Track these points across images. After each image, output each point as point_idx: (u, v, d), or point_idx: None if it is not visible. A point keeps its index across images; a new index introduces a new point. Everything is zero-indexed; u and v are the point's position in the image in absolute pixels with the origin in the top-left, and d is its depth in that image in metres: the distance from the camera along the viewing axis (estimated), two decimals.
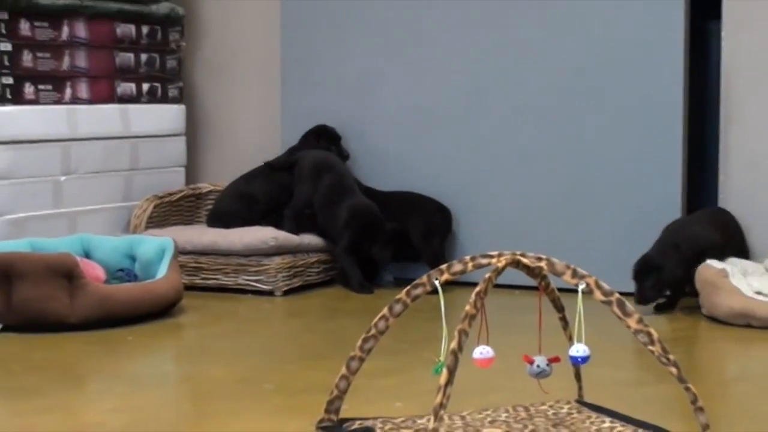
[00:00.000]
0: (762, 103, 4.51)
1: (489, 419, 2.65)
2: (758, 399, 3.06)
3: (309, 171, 4.83)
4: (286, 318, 4.36)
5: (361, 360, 2.61)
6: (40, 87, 4.76)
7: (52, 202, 4.78)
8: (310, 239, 4.81)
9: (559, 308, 2.67)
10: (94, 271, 4.09)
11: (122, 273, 4.29)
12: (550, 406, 2.76)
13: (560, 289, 2.63)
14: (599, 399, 2.79)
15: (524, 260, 2.43)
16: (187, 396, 3.19)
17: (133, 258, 4.35)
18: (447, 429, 2.54)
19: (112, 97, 5.08)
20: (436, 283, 2.48)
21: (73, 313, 3.87)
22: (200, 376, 3.33)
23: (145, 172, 5.18)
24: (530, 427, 2.58)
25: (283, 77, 5.22)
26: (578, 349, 2.45)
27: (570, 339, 2.56)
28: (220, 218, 4.96)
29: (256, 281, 4.66)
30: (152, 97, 5.26)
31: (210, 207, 5.16)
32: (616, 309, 2.38)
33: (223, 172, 5.37)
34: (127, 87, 5.15)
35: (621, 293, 2.41)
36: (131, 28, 5.14)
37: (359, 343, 2.59)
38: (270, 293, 4.64)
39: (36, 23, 4.73)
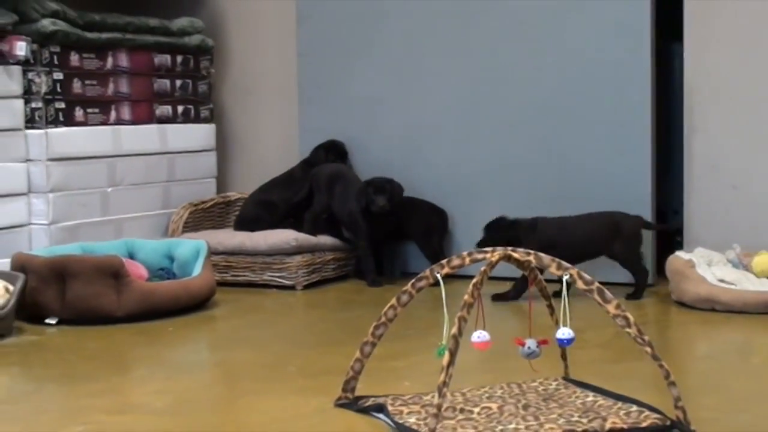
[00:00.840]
0: (721, 115, 4.50)
1: (486, 395, 2.65)
2: (722, 374, 3.05)
3: (325, 182, 4.85)
4: (306, 309, 4.35)
5: (373, 345, 2.60)
6: (89, 110, 4.76)
7: (100, 210, 4.78)
8: (326, 240, 4.81)
9: (546, 296, 2.67)
10: (137, 270, 4.08)
11: (162, 272, 4.29)
12: (540, 383, 2.75)
13: (547, 280, 2.62)
14: (583, 376, 2.79)
15: (515, 255, 2.43)
16: (221, 379, 3.19)
17: (171, 258, 4.35)
18: (449, 404, 2.53)
19: (152, 118, 5.08)
20: (438, 276, 2.48)
21: (120, 308, 3.86)
22: (232, 361, 3.33)
23: (181, 183, 5.17)
24: (523, 401, 2.57)
25: (300, 99, 5.21)
26: (564, 332, 2.44)
27: (557, 324, 2.56)
28: (246, 223, 4.95)
29: (280, 277, 4.65)
30: (186, 118, 5.26)
31: (238, 212, 5.16)
32: (596, 296, 2.38)
33: (248, 182, 5.37)
34: (165, 109, 5.14)
35: (601, 283, 2.40)
36: (167, 58, 5.14)
37: (371, 329, 2.58)
38: (292, 288, 4.63)
39: (84, 55, 4.73)
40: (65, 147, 4.63)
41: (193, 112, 5.29)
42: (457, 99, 4.87)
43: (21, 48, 4.45)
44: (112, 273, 3.86)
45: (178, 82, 5.21)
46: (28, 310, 3.85)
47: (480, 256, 2.43)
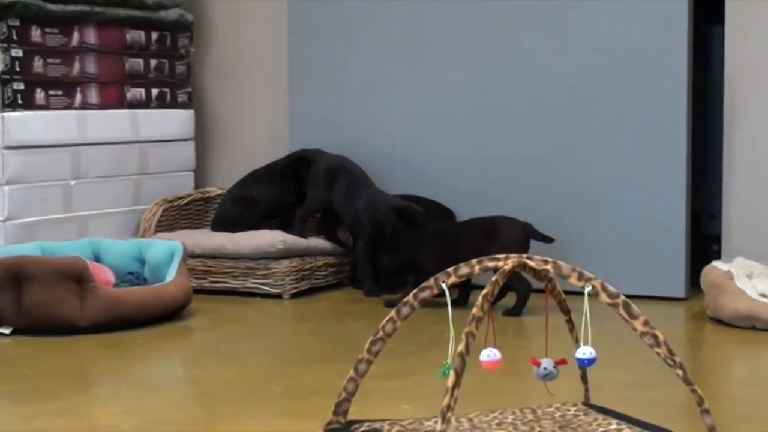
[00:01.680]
0: (765, 108, 4.50)
1: (496, 421, 2.64)
2: (764, 401, 3.05)
3: (323, 176, 4.81)
4: (294, 321, 4.35)
5: (369, 362, 2.60)
6: (51, 92, 4.76)
7: (62, 206, 4.78)
8: (317, 242, 4.81)
9: (566, 311, 2.66)
10: (103, 274, 4.08)
11: (132, 276, 4.29)
12: (557, 408, 2.74)
13: (567, 292, 2.62)
14: (606, 401, 2.78)
15: (531, 263, 2.42)
16: (196, 399, 3.19)
17: (142, 261, 4.35)
18: (454, 430, 2.52)
19: (122, 103, 5.08)
20: (444, 285, 2.47)
21: (83, 317, 3.86)
22: (209, 379, 3.32)
23: (154, 177, 5.17)
24: (537, 429, 2.57)
25: (291, 82, 5.21)
26: (585, 352, 2.44)
27: (576, 341, 2.55)
28: (224, 224, 4.94)
29: (264, 284, 4.65)
30: (161, 102, 5.26)
31: (215, 212, 5.15)
32: (622, 311, 2.37)
33: (231, 176, 5.36)
34: (137, 92, 5.14)
35: (627, 296, 2.40)
36: (141, 34, 5.14)
37: (367, 345, 2.58)
38: (278, 296, 4.63)
39: (46, 29, 4.73)
40: (24, 133, 4.62)
41: (169, 95, 5.29)
42: (467, 86, 4.87)
43: None
44: (75, 277, 3.86)
45: (153, 62, 5.21)
46: None
47: (491, 264, 2.42)
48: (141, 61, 5.15)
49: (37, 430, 2.74)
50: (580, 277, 2.38)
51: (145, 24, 5.15)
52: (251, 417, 2.84)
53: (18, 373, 3.37)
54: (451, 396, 2.22)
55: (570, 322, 2.67)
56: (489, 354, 2.36)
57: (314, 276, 4.77)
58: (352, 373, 2.61)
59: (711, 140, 4.77)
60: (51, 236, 4.59)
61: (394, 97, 5.02)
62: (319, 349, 3.76)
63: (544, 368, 2.48)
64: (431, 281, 2.49)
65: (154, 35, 5.21)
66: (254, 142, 5.51)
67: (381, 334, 2.56)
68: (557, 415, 2.70)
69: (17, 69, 4.61)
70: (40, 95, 4.72)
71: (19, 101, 4.62)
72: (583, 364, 2.48)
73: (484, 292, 2.32)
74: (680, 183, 4.52)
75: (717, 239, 4.63)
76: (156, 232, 4.93)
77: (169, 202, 5.07)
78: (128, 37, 5.09)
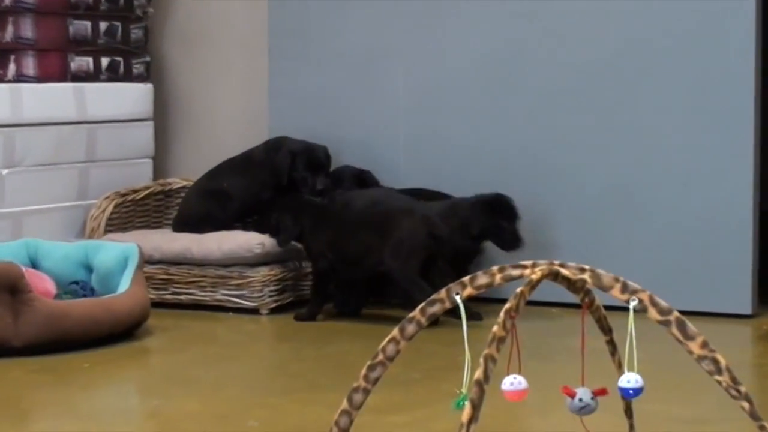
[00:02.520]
0: None
1: None
2: None
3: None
4: (275, 341, 4.35)
5: (366, 392, 2.60)
6: None
7: None
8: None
9: (606, 330, 2.67)
10: (42, 283, 4.08)
11: (76, 286, 4.30)
12: None
13: (607, 307, 2.63)
14: None
15: (564, 272, 2.42)
16: None
17: (89, 268, 4.35)
18: None
19: (65, 74, 5.08)
20: (458, 298, 2.48)
21: (16, 335, 3.86)
22: (171, 412, 3.33)
23: (104, 165, 5.18)
24: None
25: (271, 52, 5.22)
26: (629, 380, 2.44)
27: (619, 367, 2.56)
28: (189, 223, 4.94)
29: (238, 297, 4.66)
30: (113, 75, 5.26)
31: (178, 208, 5.16)
32: (675, 330, 2.37)
33: (198, 165, 5.37)
34: (83, 62, 5.15)
35: (681, 312, 2.40)
36: None
37: (364, 371, 2.58)
38: (255, 311, 4.64)
39: None
40: None
41: (122, 66, 5.30)
42: (487, 53, 4.88)
43: None
44: (8, 287, 3.86)
45: (103, 26, 5.21)
46: None
47: (516, 272, 2.42)
48: (88, 23, 5.16)
49: None
50: (624, 288, 2.38)
51: None
52: None
53: None
54: None
55: (611, 343, 2.67)
56: (513, 382, 2.37)
57: (298, 287, 4.77)
58: (345, 404, 2.61)
59: None
60: None
61: (396, 69, 5.02)
62: (304, 375, 3.77)
63: (580, 399, 2.48)
64: (443, 293, 2.49)
65: None
66: (226, 124, 5.52)
67: (381, 357, 2.56)
68: None
69: None
70: None
71: None
72: (628, 395, 2.48)
73: (506, 306, 2.32)
74: (747, 177, 4.53)
75: None
76: (106, 232, 4.94)
77: (123, 196, 5.08)
78: None
